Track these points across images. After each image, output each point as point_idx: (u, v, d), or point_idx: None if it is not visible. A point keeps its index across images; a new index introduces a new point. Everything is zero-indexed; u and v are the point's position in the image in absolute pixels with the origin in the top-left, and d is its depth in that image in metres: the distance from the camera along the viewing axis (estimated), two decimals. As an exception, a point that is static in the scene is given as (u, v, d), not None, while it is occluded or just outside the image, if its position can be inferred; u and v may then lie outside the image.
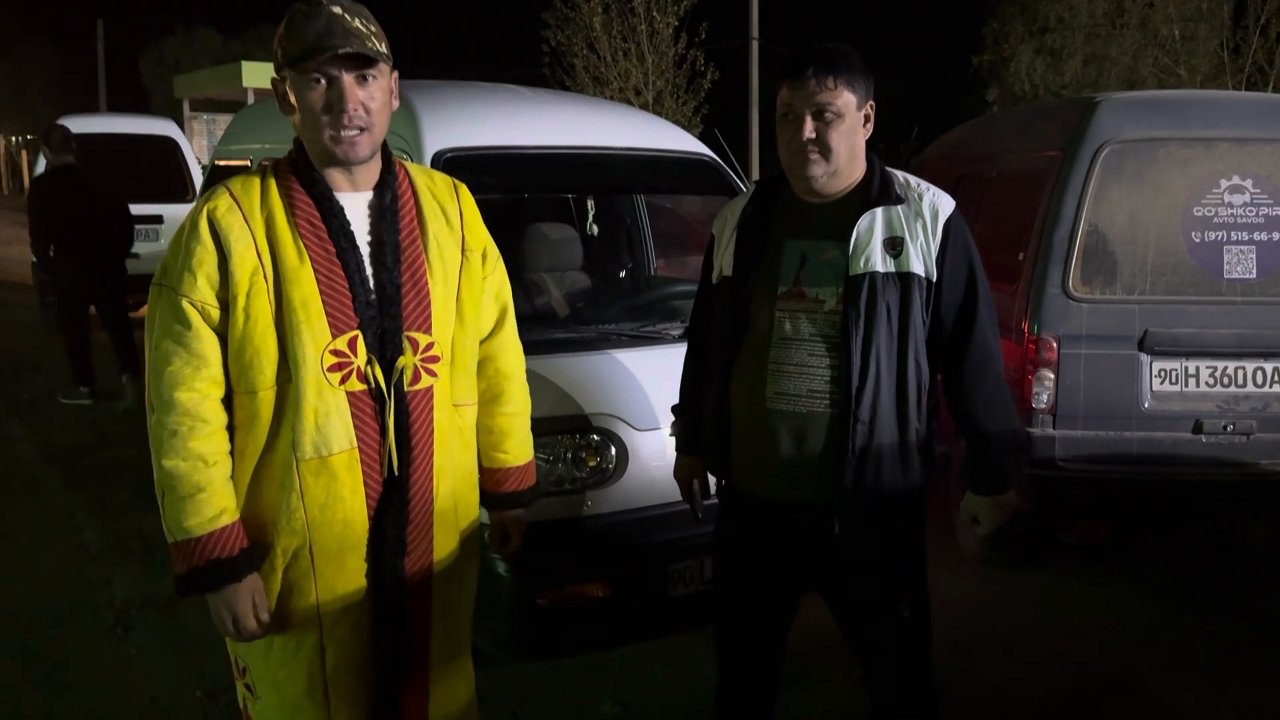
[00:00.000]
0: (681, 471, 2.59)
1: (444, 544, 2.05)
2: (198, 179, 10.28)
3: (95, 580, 4.25)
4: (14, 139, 44.50)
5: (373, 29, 1.88)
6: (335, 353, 1.86)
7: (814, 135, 2.15)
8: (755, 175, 19.02)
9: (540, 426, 2.84)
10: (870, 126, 2.23)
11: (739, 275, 2.29)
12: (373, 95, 1.87)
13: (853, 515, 2.20)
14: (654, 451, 2.99)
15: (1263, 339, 3.98)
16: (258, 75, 16.14)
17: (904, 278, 2.16)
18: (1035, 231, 4.10)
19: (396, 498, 1.94)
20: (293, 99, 1.88)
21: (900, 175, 2.27)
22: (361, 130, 1.86)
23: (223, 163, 5.20)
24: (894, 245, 2.17)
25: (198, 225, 1.86)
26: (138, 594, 4.07)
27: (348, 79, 1.84)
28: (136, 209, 9.95)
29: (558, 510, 2.88)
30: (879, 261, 2.15)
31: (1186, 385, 4.00)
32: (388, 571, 1.97)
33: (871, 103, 2.22)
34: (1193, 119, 4.11)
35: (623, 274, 4.46)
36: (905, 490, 2.23)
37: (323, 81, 1.84)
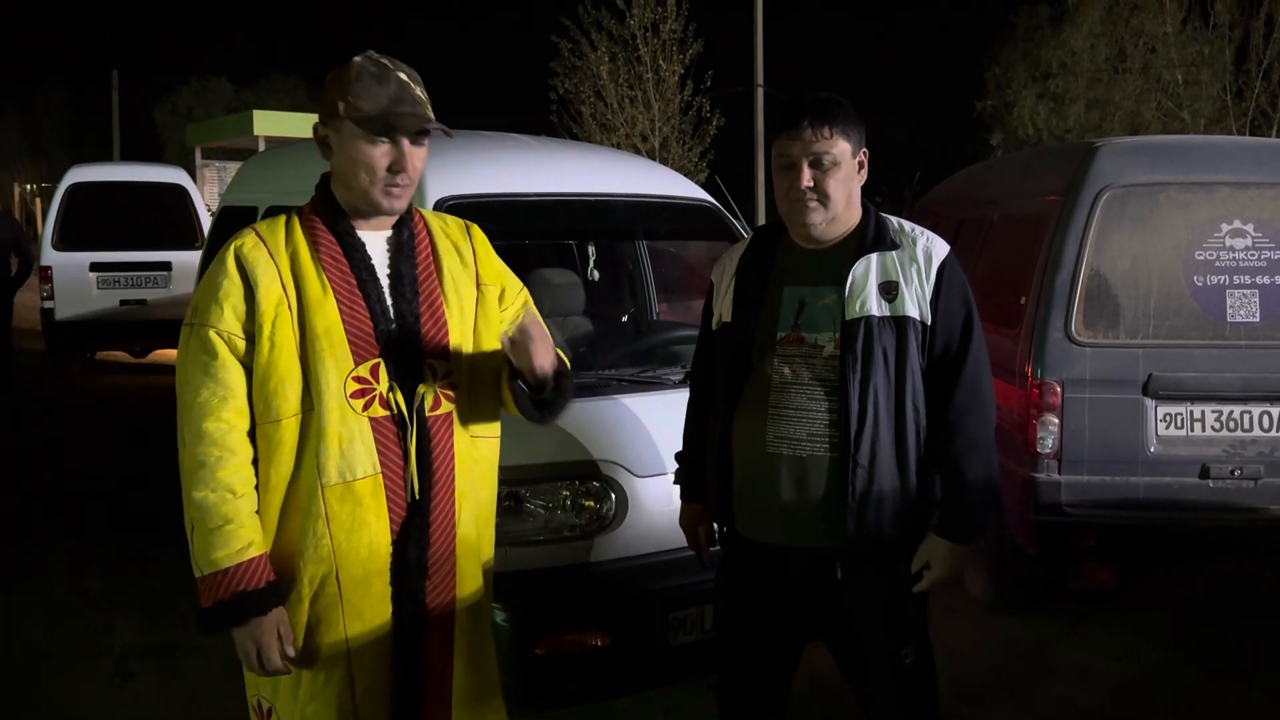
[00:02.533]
0: (686, 519, 2.58)
1: (468, 571, 2.06)
2: (207, 226, 10.37)
3: (95, 628, 4.23)
4: (29, 187, 45.05)
5: (427, 96, 2.01)
6: (358, 379, 1.92)
7: (812, 183, 2.18)
8: (761, 219, 19.11)
9: (540, 473, 2.84)
10: (864, 174, 2.27)
11: (738, 321, 2.31)
12: (422, 157, 2.00)
13: (855, 560, 2.19)
14: (655, 498, 2.97)
15: (1267, 382, 3.96)
16: (269, 124, 16.32)
17: (899, 321, 2.17)
18: (1037, 275, 4.11)
19: (419, 521, 1.97)
20: (344, 148, 1.96)
21: (895, 221, 2.29)
22: (407, 186, 1.98)
23: (229, 206, 5.22)
24: (889, 290, 2.18)
25: (224, 261, 1.94)
26: (138, 642, 4.05)
27: (407, 143, 1.95)
28: (146, 256, 10.14)
29: (557, 558, 2.86)
30: (874, 306, 2.17)
31: (1192, 430, 3.97)
32: (409, 597, 1.98)
33: (865, 150, 2.26)
34: (1193, 163, 4.13)
35: (625, 319, 4.47)
36: (908, 534, 2.21)
37: (388, 143, 1.94)
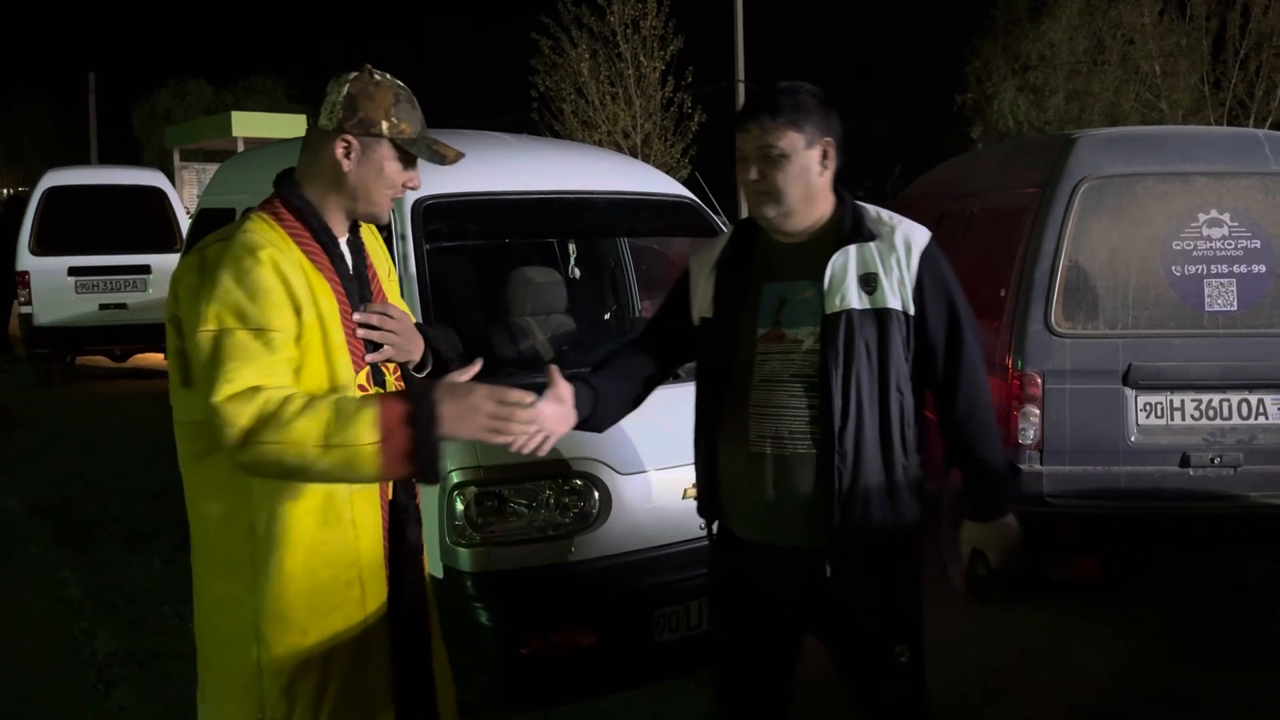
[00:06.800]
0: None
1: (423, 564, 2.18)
2: (185, 229, 10.31)
3: (78, 635, 4.20)
4: (5, 191, 44.67)
5: None
6: (361, 388, 1.96)
7: (758, 177, 2.15)
8: (743, 215, 19.03)
9: (522, 472, 2.84)
10: (830, 163, 2.18)
11: (720, 319, 2.27)
12: None
13: (845, 557, 2.17)
14: (638, 495, 2.96)
15: (1246, 371, 3.99)
16: (248, 125, 16.24)
17: (880, 314, 2.14)
18: (1017, 268, 4.13)
19: (400, 516, 2.05)
20: (372, 162, 1.96)
21: (872, 210, 2.24)
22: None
23: (207, 208, 5.19)
24: (869, 282, 2.15)
25: (261, 266, 1.83)
26: (120, 649, 4.02)
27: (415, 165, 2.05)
28: (125, 259, 10.08)
29: (541, 557, 2.85)
30: (855, 299, 2.13)
31: (1172, 419, 4.00)
32: (406, 589, 2.05)
33: (829, 139, 2.17)
34: (1169, 154, 4.15)
35: (607, 316, 4.46)
36: (897, 529, 2.20)
37: (415, 165, 2.04)
